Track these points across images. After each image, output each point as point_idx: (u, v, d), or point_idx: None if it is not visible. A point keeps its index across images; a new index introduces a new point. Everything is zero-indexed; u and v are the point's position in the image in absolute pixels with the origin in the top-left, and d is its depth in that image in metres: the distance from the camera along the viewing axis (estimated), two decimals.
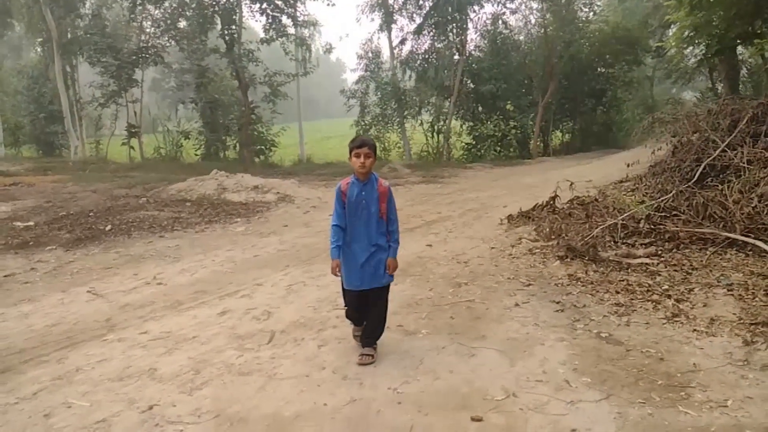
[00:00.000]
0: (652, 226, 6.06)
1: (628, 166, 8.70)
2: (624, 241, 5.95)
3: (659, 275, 4.98)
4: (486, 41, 24.12)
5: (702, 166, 6.67)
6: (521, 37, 25.32)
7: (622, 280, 4.91)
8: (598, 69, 24.95)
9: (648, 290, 4.64)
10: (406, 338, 3.97)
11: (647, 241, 5.89)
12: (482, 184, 13.64)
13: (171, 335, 4.19)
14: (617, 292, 4.66)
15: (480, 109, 23.89)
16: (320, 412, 2.97)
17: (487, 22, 23.55)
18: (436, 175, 15.89)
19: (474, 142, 23.11)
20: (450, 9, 21.49)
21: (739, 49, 13.08)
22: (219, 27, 20.79)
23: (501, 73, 22.68)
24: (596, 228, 5.97)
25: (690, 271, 5.03)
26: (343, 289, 3.66)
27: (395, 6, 22.71)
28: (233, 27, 20.81)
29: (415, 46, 23.26)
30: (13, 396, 3.29)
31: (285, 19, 21.20)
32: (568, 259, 5.59)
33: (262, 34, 21.93)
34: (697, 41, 11.05)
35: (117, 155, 23.39)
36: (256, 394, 3.19)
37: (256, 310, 4.70)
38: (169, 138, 23.59)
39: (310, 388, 3.24)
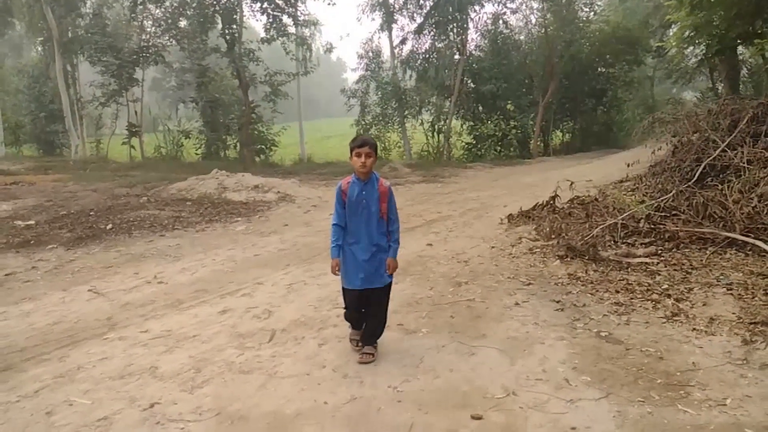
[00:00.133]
0: (652, 226, 6.07)
1: (629, 165, 8.71)
2: (624, 240, 5.96)
3: (659, 275, 4.99)
4: (486, 41, 24.14)
5: (702, 166, 6.69)
6: (522, 37, 25.35)
7: (622, 280, 4.93)
8: (599, 69, 24.97)
9: (648, 289, 4.65)
10: (407, 337, 3.98)
11: (647, 240, 5.90)
12: (482, 184, 13.65)
13: (172, 334, 4.20)
14: (617, 292, 4.67)
15: (480, 108, 23.89)
16: (321, 411, 2.98)
17: (488, 21, 23.60)
18: (437, 175, 15.90)
19: (474, 142, 23.11)
20: (451, 9, 21.49)
21: (740, 49, 13.08)
22: (220, 26, 20.79)
23: (501, 73, 22.68)
24: (596, 227, 5.99)
25: (690, 270, 5.04)
26: (343, 289, 3.66)
27: (396, 6, 22.72)
28: (234, 26, 20.81)
29: (416, 46, 23.31)
30: (14, 394, 3.30)
31: (286, 19, 21.21)
32: (568, 259, 5.60)
33: (262, 34, 21.93)
34: (697, 41, 11.05)
35: (117, 154, 23.40)
36: (257, 393, 3.20)
37: (256, 309, 4.71)
38: (170, 137, 23.60)
39: (310, 387, 3.25)
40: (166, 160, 21.99)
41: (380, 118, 23.77)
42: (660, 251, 5.59)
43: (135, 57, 21.54)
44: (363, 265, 3.50)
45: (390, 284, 3.67)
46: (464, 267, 5.79)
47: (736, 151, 6.62)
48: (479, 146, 22.86)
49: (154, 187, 12.27)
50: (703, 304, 4.28)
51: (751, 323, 3.85)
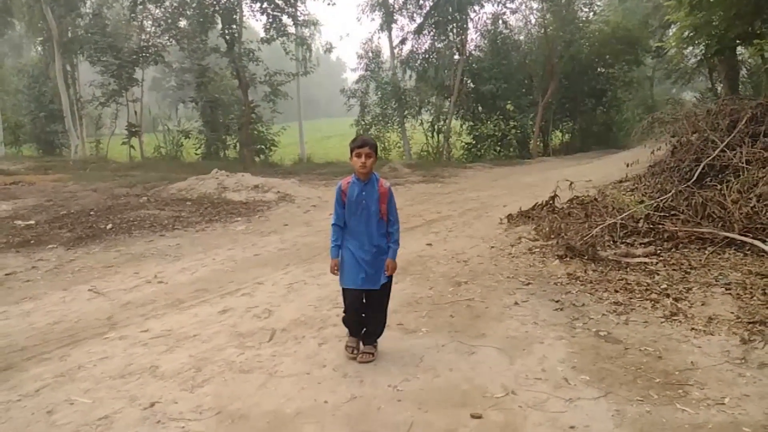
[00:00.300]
0: (651, 226, 6.08)
1: (628, 166, 8.72)
2: (623, 240, 5.98)
3: (658, 274, 5.00)
4: (486, 41, 24.15)
5: (701, 166, 6.70)
6: (521, 37, 25.37)
7: (621, 279, 4.94)
8: (598, 69, 24.97)
9: (647, 289, 4.66)
10: (406, 336, 3.99)
11: (646, 240, 5.92)
12: (482, 184, 13.67)
13: (172, 333, 4.22)
14: (616, 291, 4.69)
15: (480, 108, 23.90)
16: (321, 409, 2.99)
17: (488, 21, 23.62)
18: (436, 175, 15.91)
19: (474, 142, 23.12)
20: (450, 9, 21.50)
21: (739, 49, 13.09)
22: (219, 26, 20.80)
23: (501, 73, 22.69)
24: (595, 227, 6.00)
25: (688, 270, 5.06)
26: (343, 290, 3.62)
27: (396, 6, 22.73)
28: (234, 26, 20.82)
29: (416, 46, 23.31)
30: (15, 393, 3.31)
31: (285, 19, 21.22)
32: (568, 259, 5.62)
33: (262, 34, 21.94)
34: (696, 41, 11.05)
35: (117, 154, 23.40)
36: (257, 392, 3.21)
37: (256, 309, 4.72)
38: (170, 137, 23.60)
39: (310, 386, 3.26)
40: (165, 160, 21.99)
41: (380, 118, 23.79)
42: (659, 251, 5.61)
43: (135, 57, 21.54)
44: (364, 265, 3.48)
45: (390, 284, 3.67)
46: (464, 267, 5.81)
47: (735, 152, 6.63)
48: (479, 146, 22.87)
49: (154, 187, 12.28)
50: (702, 304, 4.29)
51: (749, 323, 3.86)
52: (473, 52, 23.95)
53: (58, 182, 13.81)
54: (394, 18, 22.84)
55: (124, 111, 22.93)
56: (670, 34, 14.79)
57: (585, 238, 5.71)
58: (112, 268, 6.39)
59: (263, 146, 23.00)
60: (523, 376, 3.30)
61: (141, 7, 21.25)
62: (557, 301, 4.57)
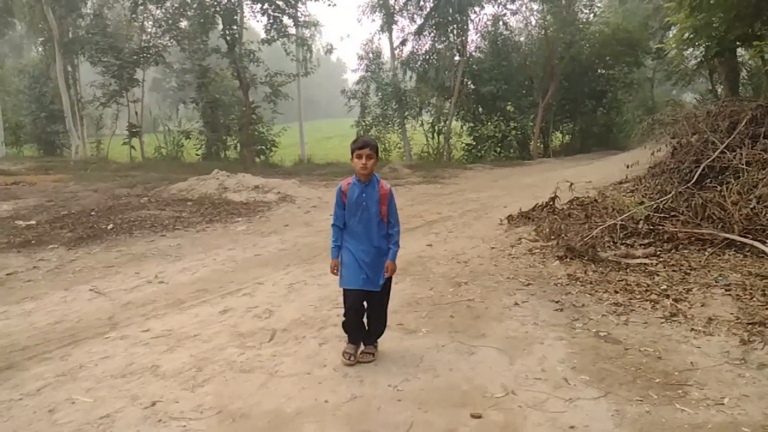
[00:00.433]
0: (651, 227, 6.10)
1: (628, 167, 8.74)
2: (623, 241, 5.99)
3: (658, 275, 5.01)
4: (486, 42, 24.16)
5: (701, 168, 6.71)
6: (522, 39, 25.38)
7: (621, 280, 4.95)
8: (599, 70, 24.99)
9: (646, 290, 4.67)
10: (407, 337, 4.00)
11: (646, 241, 5.93)
12: (482, 185, 13.68)
13: (173, 333, 4.23)
14: (616, 292, 4.69)
15: (480, 109, 23.91)
16: (321, 409, 3.00)
17: (488, 23, 23.62)
18: (437, 176, 15.92)
19: (474, 143, 23.13)
20: (451, 10, 21.52)
21: (739, 51, 13.10)
22: (220, 27, 20.81)
23: (501, 74, 22.70)
24: (595, 228, 6.01)
25: (688, 271, 5.07)
26: (344, 291, 3.57)
27: (396, 7, 22.75)
28: (234, 27, 20.84)
29: (416, 47, 23.32)
30: (17, 392, 3.32)
31: (286, 20, 21.23)
32: (568, 259, 5.62)
33: (263, 35, 21.94)
34: (697, 43, 11.05)
35: (118, 155, 23.42)
36: (258, 391, 3.22)
37: (257, 309, 4.73)
38: (170, 138, 23.61)
39: (311, 385, 3.27)
40: (166, 161, 22.00)
41: (380, 119, 23.80)
42: (659, 252, 5.62)
43: (135, 57, 21.56)
44: (364, 266, 3.46)
45: (390, 285, 3.66)
46: (464, 267, 5.82)
47: (734, 153, 6.65)
48: (479, 147, 22.88)
49: (154, 187, 12.29)
50: (702, 305, 4.30)
51: (749, 323, 3.87)
52: (474, 54, 23.98)
53: (59, 182, 13.83)
54: (395, 19, 22.86)
55: (124, 111, 22.96)
56: (671, 35, 14.80)
57: (585, 239, 5.72)
58: (113, 268, 6.41)
59: (264, 147, 23.01)
60: (523, 376, 3.31)
61: (142, 7, 21.29)
62: (557, 302, 4.58)
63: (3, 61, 33.54)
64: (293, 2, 20.97)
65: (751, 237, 5.47)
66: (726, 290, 4.52)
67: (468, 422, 2.83)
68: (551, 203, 7.71)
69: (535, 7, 24.03)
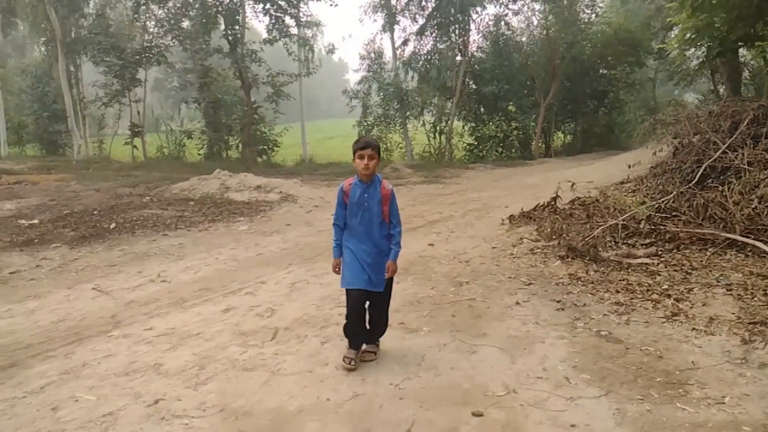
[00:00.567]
0: (653, 227, 6.10)
1: (630, 167, 8.74)
2: (624, 241, 5.99)
3: (659, 275, 5.02)
4: (488, 42, 24.15)
5: (703, 168, 6.71)
6: (523, 39, 25.35)
7: (623, 280, 4.95)
8: (600, 70, 24.96)
9: (648, 290, 4.68)
10: (408, 336, 4.01)
11: (648, 241, 5.93)
12: (484, 185, 13.68)
13: (175, 332, 4.24)
14: (617, 292, 4.70)
15: (482, 109, 23.91)
16: (323, 407, 3.02)
17: (490, 23, 23.60)
18: (438, 176, 15.93)
19: (476, 143, 23.12)
20: (452, 10, 21.51)
21: (742, 51, 13.09)
22: (222, 27, 20.86)
23: (503, 74, 22.70)
24: (597, 228, 6.01)
25: (690, 271, 5.07)
26: (347, 291, 3.55)
27: (398, 7, 22.76)
28: (236, 27, 20.88)
29: (418, 47, 23.31)
30: (20, 390, 3.34)
31: (288, 20, 21.29)
32: (569, 259, 5.63)
33: (265, 35, 21.96)
34: (698, 43, 11.04)
35: (120, 154, 23.48)
36: (260, 389, 3.24)
37: (259, 308, 4.75)
38: (172, 137, 23.67)
39: (313, 384, 3.29)
40: (168, 160, 22.05)
41: (382, 119, 23.80)
42: (660, 252, 5.62)
43: (138, 57, 21.61)
44: (366, 267, 3.46)
45: (391, 284, 3.66)
46: (465, 267, 5.83)
47: (736, 153, 6.64)
48: (481, 147, 22.87)
49: (156, 186, 12.32)
50: (703, 305, 4.31)
51: (750, 323, 3.88)
52: (475, 54, 23.96)
53: (61, 182, 13.87)
54: (397, 19, 22.87)
55: (126, 111, 23.01)
56: (672, 35, 14.81)
57: (586, 239, 5.72)
58: (116, 267, 6.43)
59: (265, 147, 23.06)
60: (524, 375, 3.32)
61: (144, 7, 21.34)
62: (558, 301, 4.59)
63: (6, 61, 33.62)
64: (295, 2, 21.01)
65: (752, 237, 5.47)
66: (727, 290, 4.52)
67: (469, 420, 2.84)
68: (553, 203, 7.71)
69: (537, 7, 24.02)
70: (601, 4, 25.46)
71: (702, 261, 5.27)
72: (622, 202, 6.70)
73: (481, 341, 3.84)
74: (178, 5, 20.96)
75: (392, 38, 23.23)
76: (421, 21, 22.67)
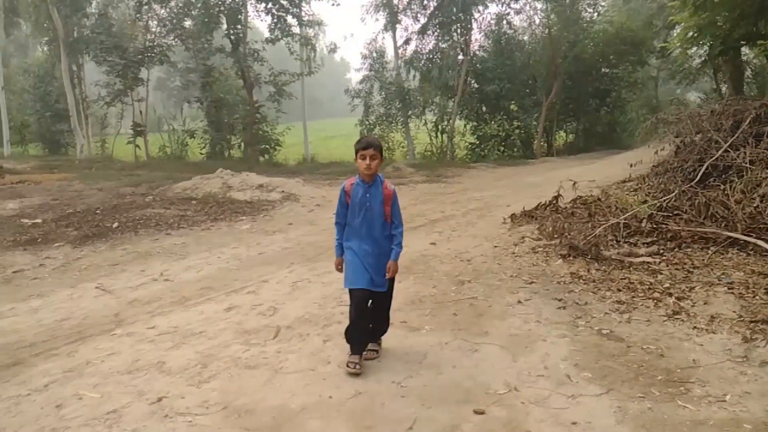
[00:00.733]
0: (655, 226, 6.10)
1: (631, 166, 8.73)
2: (626, 240, 5.99)
3: (661, 274, 5.02)
4: (490, 41, 24.15)
5: (704, 166, 6.70)
6: (525, 38, 25.35)
7: (624, 279, 4.96)
8: (603, 69, 24.91)
9: (649, 288, 4.68)
10: (410, 334, 4.03)
11: (649, 240, 5.93)
12: (486, 184, 13.68)
13: (178, 330, 4.26)
14: (619, 290, 4.71)
15: (484, 109, 23.91)
16: (326, 405, 3.03)
17: (492, 22, 23.60)
18: (440, 175, 15.93)
19: (478, 142, 23.13)
20: (454, 9, 21.51)
21: (744, 49, 13.06)
22: (224, 26, 20.90)
23: (505, 73, 22.70)
24: (599, 227, 6.01)
25: (691, 269, 5.07)
26: (350, 292, 3.53)
27: (400, 6, 22.77)
28: (238, 26, 20.92)
29: (420, 46, 23.32)
30: (25, 388, 3.36)
31: (290, 19, 21.31)
32: (571, 258, 5.64)
33: (267, 34, 22.00)
34: (701, 42, 11.02)
35: (122, 154, 23.54)
36: (263, 387, 3.26)
37: (261, 306, 4.77)
38: (175, 137, 23.73)
39: (315, 382, 3.30)
40: (170, 160, 22.10)
41: (384, 118, 23.82)
42: (662, 251, 5.62)
43: (140, 57, 21.66)
44: (368, 267, 3.45)
45: (392, 284, 3.65)
46: (467, 266, 5.83)
47: (738, 152, 6.63)
48: (482, 146, 22.88)
49: (159, 186, 12.34)
50: (704, 303, 4.31)
51: (751, 321, 3.88)
52: (477, 53, 23.97)
53: (64, 181, 13.90)
54: (399, 18, 22.88)
55: (129, 111, 23.07)
56: (675, 34, 14.77)
57: (588, 238, 5.73)
58: (119, 266, 6.45)
59: (268, 146, 23.08)
60: (525, 373, 3.33)
61: (146, 7, 21.37)
62: (560, 300, 4.59)
63: (8, 61, 33.63)
64: (297, 1, 21.04)
65: (754, 235, 5.46)
66: (729, 288, 4.53)
67: (471, 418, 2.85)
68: (554, 202, 7.71)
69: (539, 6, 24.00)
70: (603, 3, 25.46)
71: (703, 260, 5.27)
72: (624, 201, 6.70)
73: (483, 340, 3.85)
74: (181, 5, 21.02)
75: (394, 37, 23.27)
76: (423, 20, 22.69)
